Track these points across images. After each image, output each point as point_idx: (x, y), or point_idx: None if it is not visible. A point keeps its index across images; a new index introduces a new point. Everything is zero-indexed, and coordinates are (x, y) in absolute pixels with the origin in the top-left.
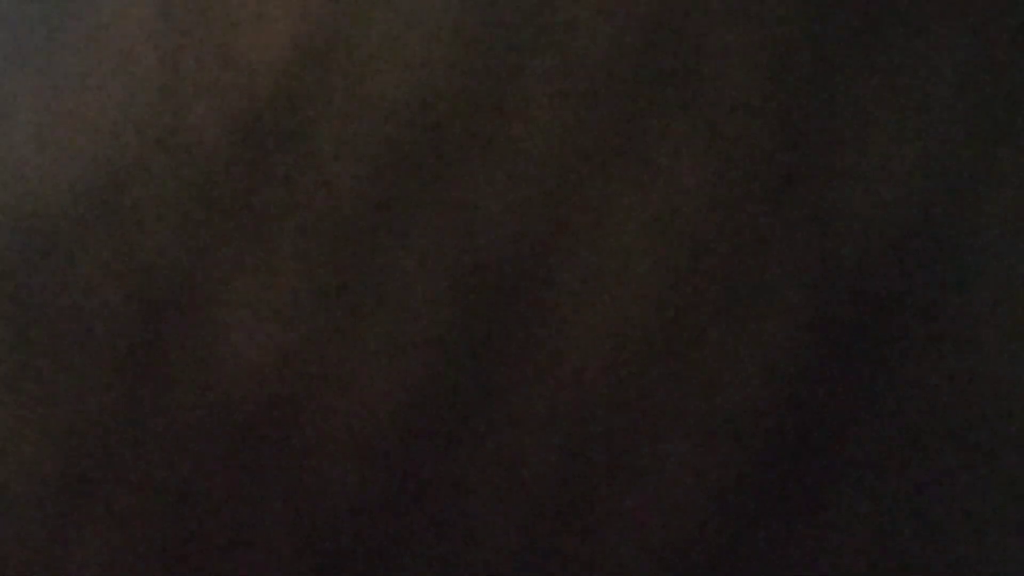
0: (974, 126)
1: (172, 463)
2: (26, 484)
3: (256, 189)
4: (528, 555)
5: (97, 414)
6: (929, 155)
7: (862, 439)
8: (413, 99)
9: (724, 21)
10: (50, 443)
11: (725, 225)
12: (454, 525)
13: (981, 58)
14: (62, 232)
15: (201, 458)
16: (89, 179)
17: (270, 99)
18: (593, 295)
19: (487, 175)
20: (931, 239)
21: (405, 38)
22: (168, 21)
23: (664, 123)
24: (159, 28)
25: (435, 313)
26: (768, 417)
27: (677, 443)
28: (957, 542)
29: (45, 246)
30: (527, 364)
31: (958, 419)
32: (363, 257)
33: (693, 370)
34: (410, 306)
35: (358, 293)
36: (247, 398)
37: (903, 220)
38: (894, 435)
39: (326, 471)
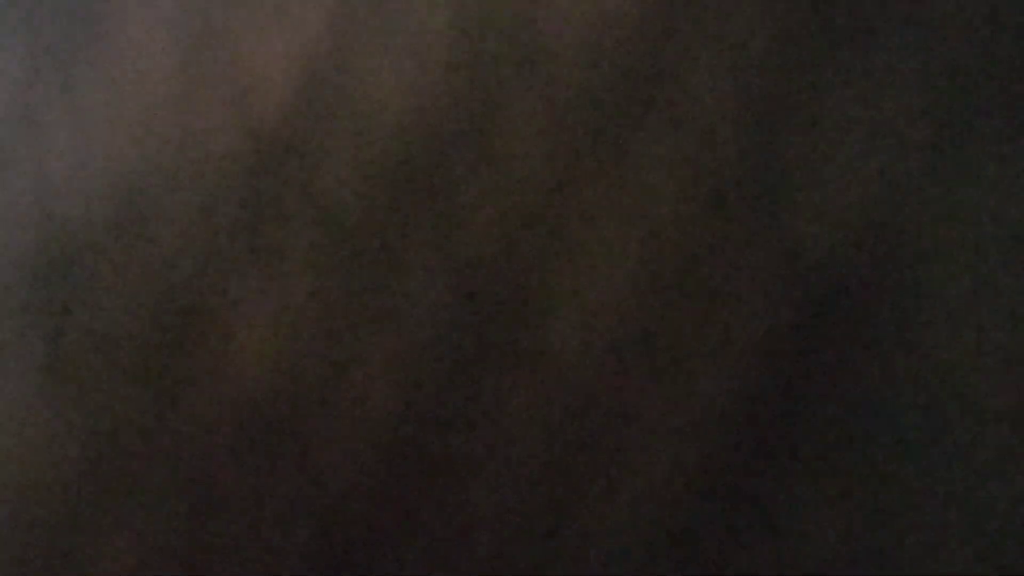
0: (937, 130)
1: (189, 459)
2: (53, 477)
3: (267, 197)
4: (519, 540)
5: (119, 412)
6: (893, 160)
7: (836, 433)
8: (411, 118)
9: (696, 44)
10: (76, 439)
11: (701, 230)
12: (451, 514)
13: (945, 66)
14: (87, 239)
15: (215, 454)
16: (112, 188)
17: (279, 116)
18: (578, 297)
19: (479, 188)
20: (896, 240)
21: (403, 62)
22: (183, 42)
23: (641, 137)
24: (175, 49)
25: (433, 318)
26: (743, 413)
27: (659, 437)
28: (927, 538)
29: (71, 253)
30: (518, 364)
31: (920, 415)
32: (367, 266)
33: (673, 368)
34: (410, 312)
35: (362, 300)
36: (258, 398)
37: (869, 222)
38: (865, 429)
39: (332, 465)
